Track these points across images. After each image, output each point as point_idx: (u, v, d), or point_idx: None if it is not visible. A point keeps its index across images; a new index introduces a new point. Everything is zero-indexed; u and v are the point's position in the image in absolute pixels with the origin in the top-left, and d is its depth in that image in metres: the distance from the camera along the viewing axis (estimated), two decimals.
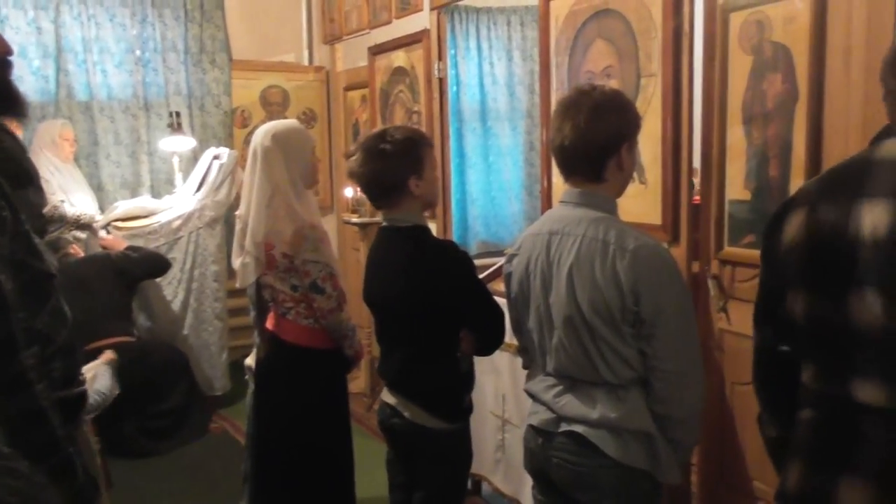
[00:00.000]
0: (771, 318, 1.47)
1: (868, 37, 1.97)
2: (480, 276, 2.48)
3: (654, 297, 1.70)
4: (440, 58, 4.04)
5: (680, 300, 1.74)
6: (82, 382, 1.56)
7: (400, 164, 2.12)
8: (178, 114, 4.75)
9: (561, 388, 1.85)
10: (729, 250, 2.44)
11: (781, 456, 1.44)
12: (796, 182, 2.18)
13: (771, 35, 2.24)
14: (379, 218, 2.25)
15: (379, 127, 4.54)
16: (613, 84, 2.78)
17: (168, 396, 4.15)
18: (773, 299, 1.43)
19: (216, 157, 4.60)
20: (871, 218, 1.22)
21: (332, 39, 5.31)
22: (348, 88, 5.25)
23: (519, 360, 2.16)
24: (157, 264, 4.31)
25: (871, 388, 1.24)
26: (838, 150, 2.07)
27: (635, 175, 2.68)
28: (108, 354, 3.02)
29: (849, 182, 1.28)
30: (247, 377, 3.05)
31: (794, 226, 1.35)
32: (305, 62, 5.56)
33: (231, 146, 4.88)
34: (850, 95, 2.03)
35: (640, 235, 1.75)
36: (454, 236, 4.34)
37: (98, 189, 4.71)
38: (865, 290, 1.23)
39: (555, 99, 3.11)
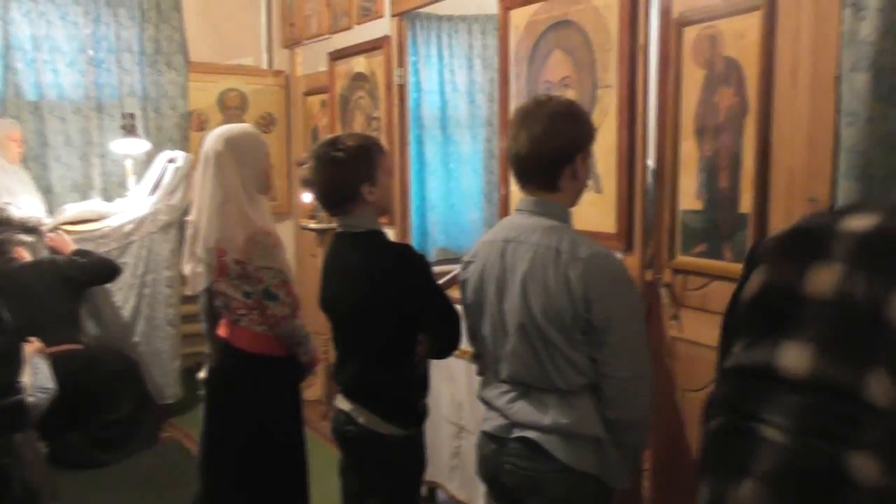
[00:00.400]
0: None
1: (814, 53, 2.06)
2: (440, 282, 2.51)
3: (605, 305, 1.75)
4: (401, 64, 4.08)
5: (631, 308, 1.80)
6: (20, 391, 1.53)
7: (353, 171, 2.14)
8: (132, 116, 4.71)
9: (514, 394, 1.89)
10: (681, 259, 2.50)
11: None
12: (746, 194, 2.26)
13: (723, 50, 2.32)
14: (336, 224, 2.27)
15: (339, 132, 4.58)
16: (570, 94, 2.84)
17: (117, 405, 4.10)
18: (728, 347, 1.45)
19: (171, 161, 4.57)
20: (821, 277, 1.25)
21: (292, 44, 5.31)
22: (308, 93, 5.25)
23: (474, 367, 2.20)
24: (105, 270, 4.26)
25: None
26: (785, 163, 2.16)
27: (591, 184, 2.74)
28: (36, 344, 2.92)
29: (806, 244, 1.32)
30: (199, 392, 3.03)
31: (752, 281, 1.39)
32: (265, 66, 5.56)
33: (187, 150, 4.83)
34: (796, 109, 2.12)
35: (593, 244, 1.80)
36: (413, 243, 4.37)
37: (47, 192, 4.63)
38: (804, 343, 1.23)
39: (513, 107, 3.15)
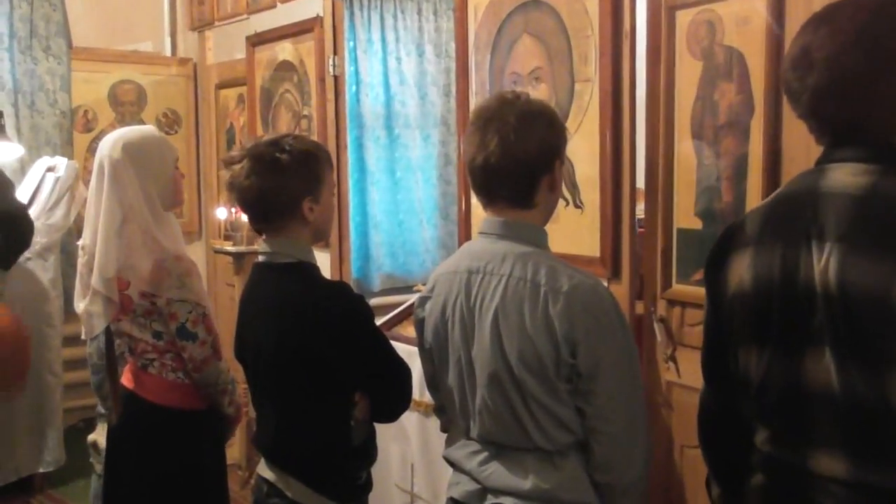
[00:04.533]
0: (719, 371, 1.57)
1: None
2: (385, 318, 2.49)
3: (592, 346, 1.75)
4: (336, 51, 4.07)
5: (623, 349, 1.80)
6: None
7: (296, 180, 2.10)
8: (0, 114, 4.59)
9: (486, 454, 1.88)
10: (677, 288, 2.52)
11: None
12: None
13: (723, 38, 2.35)
14: (258, 246, 2.23)
15: (262, 134, 4.54)
16: (543, 89, 2.86)
17: None
18: (721, 349, 1.53)
19: (50, 170, 4.47)
20: (821, 266, 1.32)
21: (200, 26, 5.26)
22: (221, 86, 5.20)
23: (431, 422, 2.18)
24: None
25: (829, 458, 1.34)
26: (799, 171, 2.17)
27: (569, 197, 2.76)
28: None
29: (795, 218, 1.38)
30: (91, 459, 2.95)
31: (738, 269, 1.45)
32: (167, 52, 5.50)
33: (70, 155, 4.75)
34: None
35: (576, 273, 1.79)
36: (352, 269, 4.34)
37: None
38: (824, 349, 1.33)
39: (474, 104, 3.16)
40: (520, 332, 1.77)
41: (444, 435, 2.08)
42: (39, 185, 4.46)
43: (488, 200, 1.88)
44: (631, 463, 1.82)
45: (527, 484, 1.81)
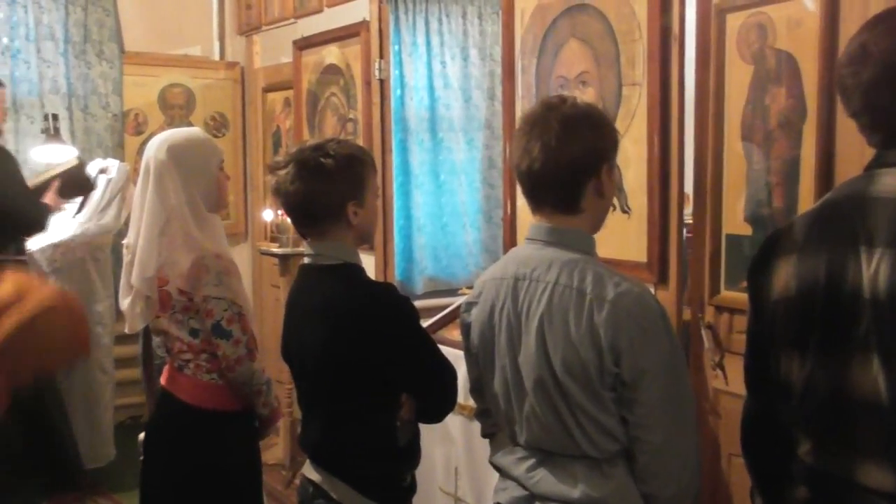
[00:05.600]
0: (761, 378, 1.54)
1: None
2: (429, 321, 2.48)
3: (636, 355, 1.73)
4: (382, 55, 4.07)
5: (667, 359, 1.77)
6: None
7: (340, 185, 2.12)
8: (55, 116, 4.65)
9: (534, 461, 1.87)
10: (726, 294, 2.48)
11: None
12: None
13: (774, 41, 2.31)
14: (304, 248, 2.24)
15: (307, 136, 4.57)
16: (590, 93, 2.83)
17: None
18: (763, 355, 1.50)
19: (102, 171, 4.52)
20: (871, 272, 1.29)
21: (248, 30, 5.30)
22: (268, 89, 5.23)
23: (475, 425, 2.16)
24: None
25: (878, 470, 1.29)
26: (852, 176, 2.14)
27: (616, 203, 2.73)
28: None
29: (843, 224, 1.35)
30: (141, 458, 2.98)
31: (782, 275, 1.42)
32: (215, 56, 5.54)
33: (121, 157, 4.81)
34: None
35: (623, 280, 1.77)
36: (396, 272, 4.34)
37: None
38: (871, 357, 1.29)
39: (520, 108, 3.16)
40: (564, 339, 1.76)
41: (488, 439, 2.08)
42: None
43: (535, 206, 1.88)
44: (671, 475, 1.79)
45: (576, 492, 1.79)
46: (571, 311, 1.76)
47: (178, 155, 2.53)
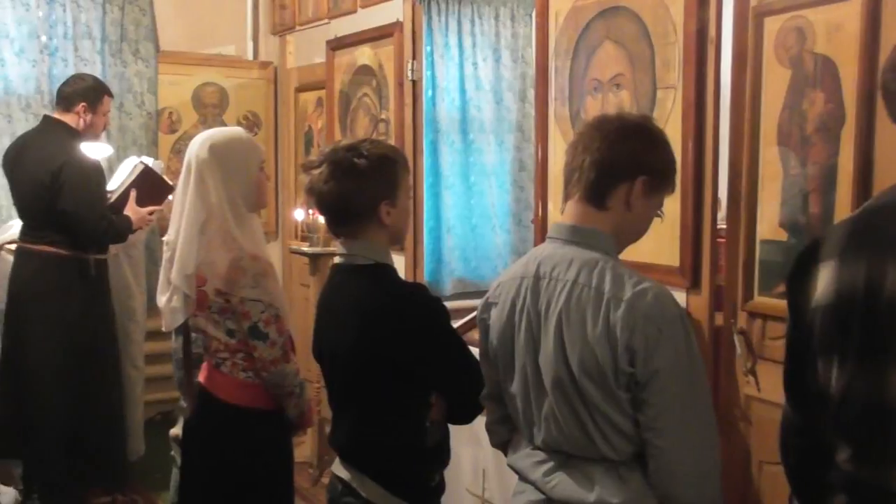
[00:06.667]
0: (799, 386, 1.52)
1: None
2: (457, 323, 2.47)
3: (650, 355, 1.71)
4: (414, 56, 4.07)
5: (682, 361, 1.74)
6: None
7: (374, 185, 2.13)
8: None
9: (552, 464, 1.86)
10: (759, 300, 2.45)
11: None
12: None
13: (813, 45, 2.28)
14: (335, 248, 2.25)
15: (339, 136, 4.58)
16: (624, 96, 2.82)
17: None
18: (802, 363, 1.49)
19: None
20: None
21: (282, 30, 5.32)
22: (301, 89, 5.25)
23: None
24: None
25: None
26: (891, 183, 2.10)
27: None
28: None
29: (883, 232, 1.34)
30: (173, 452, 3.01)
31: (821, 281, 1.42)
32: (249, 56, 5.57)
33: (155, 155, 4.84)
34: None
35: (641, 280, 1.76)
36: (425, 273, 4.33)
37: None
38: None
39: (552, 110, 3.15)
40: (581, 339, 1.75)
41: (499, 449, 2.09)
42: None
43: (567, 193, 1.89)
44: (677, 481, 1.75)
45: (592, 496, 1.78)
46: (589, 310, 1.75)
47: (219, 154, 2.54)
